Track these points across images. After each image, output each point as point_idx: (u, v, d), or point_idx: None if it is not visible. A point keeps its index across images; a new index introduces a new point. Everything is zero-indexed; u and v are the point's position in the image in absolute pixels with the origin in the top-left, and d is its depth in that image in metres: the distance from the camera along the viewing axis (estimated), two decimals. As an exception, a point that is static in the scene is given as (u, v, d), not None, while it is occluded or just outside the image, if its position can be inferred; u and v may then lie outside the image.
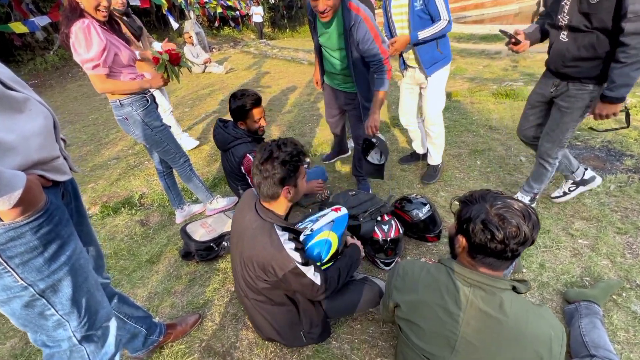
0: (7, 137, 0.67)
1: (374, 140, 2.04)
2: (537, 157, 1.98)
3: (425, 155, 2.70)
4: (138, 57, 2.01)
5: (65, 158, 0.85)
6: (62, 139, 0.93)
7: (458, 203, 1.01)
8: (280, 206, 1.30)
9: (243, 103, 1.98)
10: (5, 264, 0.69)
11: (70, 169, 0.88)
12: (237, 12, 14.51)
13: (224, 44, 12.54)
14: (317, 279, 1.24)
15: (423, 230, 1.99)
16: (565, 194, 2.17)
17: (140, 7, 6.79)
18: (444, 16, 2.01)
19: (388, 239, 1.86)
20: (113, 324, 0.93)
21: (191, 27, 9.79)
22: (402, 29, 2.18)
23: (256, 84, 6.43)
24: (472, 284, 0.93)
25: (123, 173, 3.41)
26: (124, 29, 2.74)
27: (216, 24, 14.44)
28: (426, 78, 2.31)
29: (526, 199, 2.08)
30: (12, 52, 9.45)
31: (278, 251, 1.18)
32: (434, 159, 2.58)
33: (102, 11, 1.62)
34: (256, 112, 2.02)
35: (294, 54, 9.16)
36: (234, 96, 2.02)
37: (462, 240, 0.96)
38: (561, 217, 2.07)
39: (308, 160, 3.14)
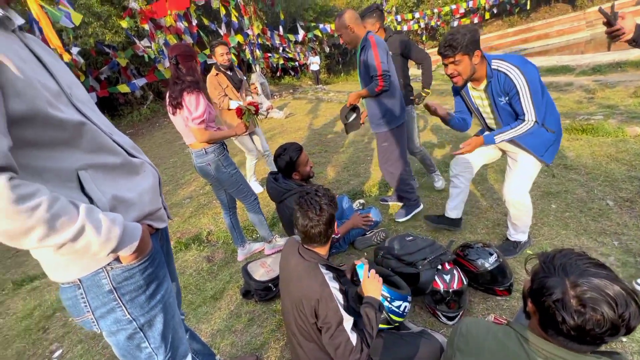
0: (129, 195, 0.84)
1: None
2: None
3: (459, 221, 2.37)
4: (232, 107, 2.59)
5: (164, 208, 1.02)
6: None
7: (537, 259, 0.92)
8: (321, 248, 1.35)
9: (290, 157, 2.16)
10: (119, 300, 0.83)
11: (167, 217, 1.05)
12: (297, 62, 15.93)
13: (284, 91, 13.70)
14: (353, 337, 1.17)
15: (490, 282, 1.83)
16: None
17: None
18: (529, 116, 1.72)
19: (450, 290, 1.73)
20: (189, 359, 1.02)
21: (257, 78, 11.00)
22: (489, 118, 1.97)
23: (312, 126, 6.82)
24: (546, 356, 0.83)
25: (194, 211, 3.79)
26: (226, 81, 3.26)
27: (278, 74, 15.96)
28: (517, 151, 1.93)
29: None
30: (117, 108, 11.52)
31: (322, 288, 1.20)
32: (513, 236, 2.13)
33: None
34: (303, 159, 2.21)
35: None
36: (277, 155, 2.21)
37: (532, 307, 0.87)
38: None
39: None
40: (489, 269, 1.80)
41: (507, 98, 1.77)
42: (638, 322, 0.75)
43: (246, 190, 2.39)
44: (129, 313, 0.84)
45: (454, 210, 2.32)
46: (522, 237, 2.13)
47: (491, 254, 1.84)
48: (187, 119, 2.02)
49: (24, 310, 2.52)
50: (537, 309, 0.85)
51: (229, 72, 3.39)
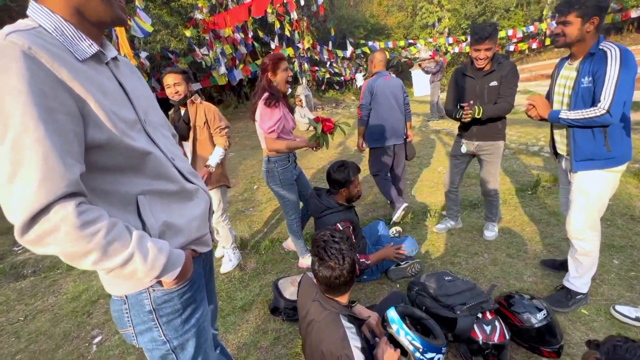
0: (179, 222, 0.87)
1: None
2: None
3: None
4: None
5: (210, 232, 1.05)
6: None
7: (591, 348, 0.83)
8: (344, 296, 1.32)
9: (348, 174, 2.15)
10: (156, 321, 0.87)
11: (212, 240, 1.08)
12: (342, 77, 16.17)
13: (327, 105, 13.91)
14: None
15: (536, 340, 1.67)
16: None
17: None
18: (604, 104, 1.58)
19: (490, 342, 1.61)
20: None
21: (302, 90, 11.31)
22: (558, 104, 1.85)
23: (353, 142, 6.81)
24: None
25: (232, 217, 3.91)
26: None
27: (323, 87, 16.28)
28: (570, 172, 1.87)
29: None
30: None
31: (343, 346, 1.16)
32: (572, 282, 1.93)
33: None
34: (357, 179, 2.22)
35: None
36: (336, 168, 2.21)
37: None
38: None
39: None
40: (536, 325, 1.65)
41: (590, 79, 1.64)
42: None
43: (290, 206, 2.49)
44: (164, 334, 0.88)
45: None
46: (578, 286, 1.92)
47: (540, 309, 1.68)
48: (259, 126, 2.26)
49: (74, 292, 2.74)
50: None
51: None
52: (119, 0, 0.80)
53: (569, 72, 1.79)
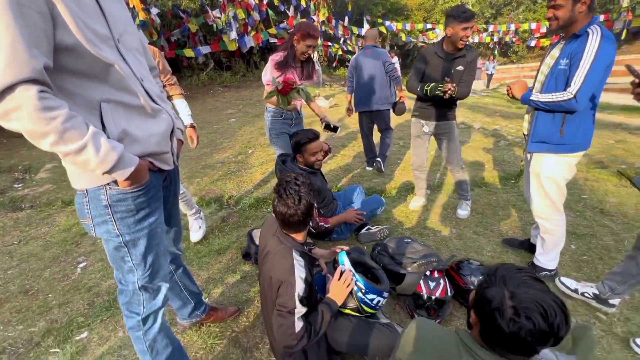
0: (138, 133, 0.99)
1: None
2: None
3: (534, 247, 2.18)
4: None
5: (172, 154, 1.16)
6: (180, 140, 1.28)
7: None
8: (299, 234, 1.43)
9: (299, 138, 2.30)
10: (112, 216, 1.00)
11: (174, 162, 1.19)
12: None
13: (336, 82, 13.75)
14: (298, 326, 1.23)
15: (477, 301, 1.82)
16: None
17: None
18: (573, 88, 1.61)
19: (433, 297, 1.76)
20: (165, 286, 1.19)
21: (312, 64, 11.18)
22: (539, 83, 1.87)
23: (353, 119, 6.84)
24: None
25: (223, 175, 4.06)
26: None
27: (334, 64, 16.00)
28: (526, 152, 1.99)
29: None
30: (180, 70, 12.34)
31: (288, 274, 1.28)
32: (538, 258, 2.06)
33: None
34: (312, 147, 2.32)
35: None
36: (295, 133, 2.38)
37: (474, 317, 0.91)
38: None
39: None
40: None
41: (568, 61, 1.66)
42: (566, 332, 0.80)
43: (277, 153, 2.71)
44: (117, 228, 1.01)
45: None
46: (547, 264, 2.03)
47: (484, 274, 1.82)
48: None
49: (65, 225, 2.93)
50: (479, 318, 0.89)
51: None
52: None
53: (555, 52, 1.79)
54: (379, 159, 3.92)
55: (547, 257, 2.04)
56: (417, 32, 16.94)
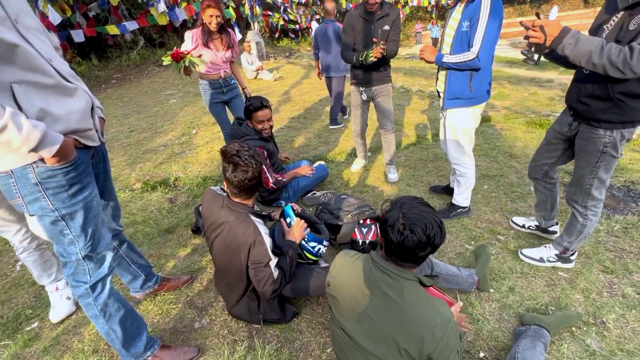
0: (58, 111, 1.02)
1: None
2: (565, 200, 1.80)
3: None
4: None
5: (96, 130, 1.20)
6: (102, 118, 1.30)
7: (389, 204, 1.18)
8: (249, 199, 1.54)
9: (249, 104, 2.39)
10: (43, 192, 1.04)
11: (99, 139, 1.23)
12: (297, 26, 15.42)
13: (280, 54, 13.40)
14: (276, 273, 1.45)
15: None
16: (541, 260, 1.91)
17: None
18: (475, 48, 1.84)
19: (366, 241, 2.02)
20: (110, 254, 1.26)
21: (252, 37, 10.74)
22: (447, 45, 2.03)
23: (299, 92, 6.88)
24: (382, 271, 1.10)
25: (167, 158, 3.96)
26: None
27: (276, 35, 15.46)
28: (443, 110, 2.20)
29: (552, 251, 1.89)
30: (105, 49, 11.15)
31: (255, 235, 1.42)
32: (455, 198, 2.37)
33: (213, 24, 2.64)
34: (259, 115, 2.41)
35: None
36: (247, 99, 2.43)
37: (381, 238, 1.13)
38: (550, 248, 2.05)
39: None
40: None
41: (468, 23, 1.86)
42: (440, 242, 1.05)
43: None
44: (51, 204, 1.06)
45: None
46: (460, 201, 2.37)
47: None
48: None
49: None
50: (382, 237, 1.11)
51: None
52: None
53: (457, 15, 1.94)
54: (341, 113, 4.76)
55: (462, 197, 2.39)
56: (358, -2, 16.82)
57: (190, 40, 2.70)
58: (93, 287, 1.21)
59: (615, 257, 1.92)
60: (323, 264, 1.80)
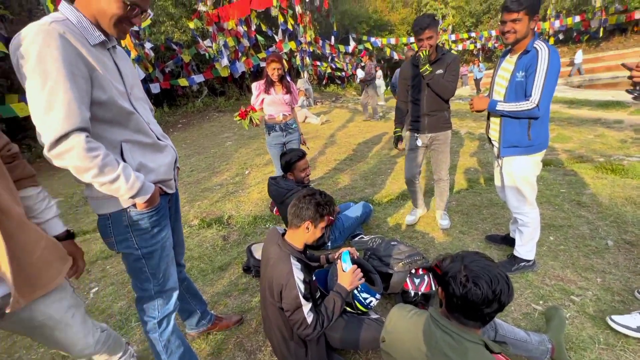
0: (151, 165, 1.22)
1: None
2: None
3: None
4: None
5: (175, 180, 1.38)
6: (178, 167, 1.49)
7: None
8: (298, 239, 1.58)
9: (289, 158, 2.58)
10: (131, 233, 1.20)
11: (175, 187, 1.41)
12: (343, 73, 16.38)
13: (327, 99, 14.17)
14: (309, 317, 1.42)
15: (460, 293, 1.97)
16: (638, 330, 1.62)
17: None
18: (534, 98, 1.83)
19: (419, 292, 1.92)
20: (176, 292, 1.36)
21: (302, 84, 11.58)
22: (497, 94, 2.06)
23: (344, 134, 7.11)
24: (443, 330, 1.04)
25: (222, 197, 4.25)
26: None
27: (324, 82, 16.51)
28: (499, 158, 2.15)
29: None
30: (175, 98, 12.76)
31: (288, 277, 1.44)
32: (517, 249, 2.21)
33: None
34: (301, 165, 2.59)
35: (386, 111, 9.76)
36: (283, 154, 2.67)
37: (441, 292, 1.08)
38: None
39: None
40: (460, 281, 1.95)
41: (523, 74, 1.86)
42: (508, 300, 0.97)
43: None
44: (137, 243, 1.21)
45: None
46: (523, 254, 2.19)
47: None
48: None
49: (75, 255, 3.09)
50: (442, 291, 1.07)
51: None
52: (127, 25, 1.13)
53: (508, 65, 1.99)
54: None
55: (525, 249, 2.20)
56: (402, 46, 17.56)
57: (256, 88, 3.22)
58: (160, 323, 1.30)
59: None
60: (374, 315, 1.74)
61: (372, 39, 16.16)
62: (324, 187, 4.20)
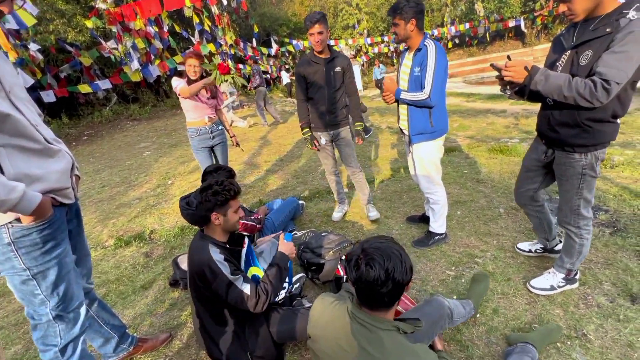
0: (38, 172, 1.05)
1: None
2: (558, 224, 1.86)
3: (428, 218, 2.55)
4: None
5: (73, 189, 1.21)
6: (77, 175, 1.31)
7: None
8: (214, 232, 1.56)
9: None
10: (16, 252, 1.02)
11: (75, 197, 1.24)
12: (268, 75, 16.28)
13: (253, 102, 13.90)
14: (246, 288, 1.41)
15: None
16: (552, 288, 1.88)
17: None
18: (426, 90, 2.08)
19: (350, 277, 2.01)
20: (83, 313, 1.19)
21: (226, 88, 11.17)
22: (402, 87, 2.26)
23: (273, 136, 7.08)
24: (359, 322, 1.03)
25: (142, 211, 3.86)
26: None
27: (249, 85, 16.16)
28: (410, 145, 2.37)
29: (559, 276, 1.87)
30: (76, 107, 11.14)
31: (208, 259, 1.41)
32: (432, 225, 2.48)
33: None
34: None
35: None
36: (208, 172, 2.36)
37: (351, 282, 1.04)
38: (525, 266, 2.13)
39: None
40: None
41: (419, 68, 2.11)
42: (404, 277, 0.96)
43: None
44: (23, 263, 1.04)
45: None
46: (436, 228, 2.46)
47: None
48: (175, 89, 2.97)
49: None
50: (349, 280, 1.03)
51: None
52: None
53: (407, 62, 2.23)
54: None
55: (437, 224, 2.48)
56: (323, 48, 18.19)
57: (177, 80, 2.93)
58: (63, 351, 1.13)
59: (585, 269, 2.01)
60: (307, 304, 1.77)
61: (294, 42, 16.38)
62: (256, 190, 4.13)
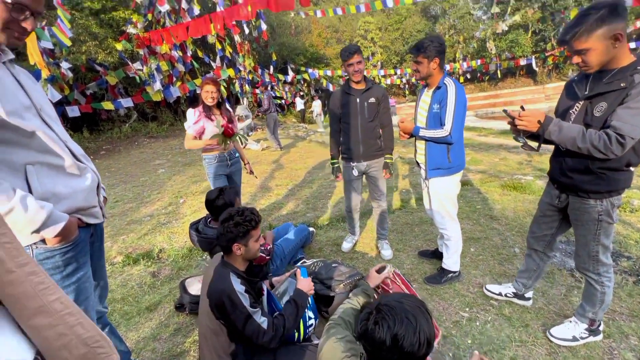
0: (64, 191, 1.06)
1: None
2: (576, 270, 1.81)
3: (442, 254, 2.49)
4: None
5: (100, 207, 1.23)
6: (105, 197, 1.33)
7: None
8: (236, 261, 1.55)
9: (228, 200, 2.22)
10: None
11: (103, 215, 1.25)
12: (283, 100, 16.79)
13: (267, 127, 14.23)
14: (263, 323, 1.40)
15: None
16: (574, 339, 1.78)
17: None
18: (447, 127, 2.10)
19: (360, 312, 1.95)
20: None
21: (242, 111, 11.53)
22: (420, 122, 2.32)
23: (286, 160, 7.17)
24: None
25: (152, 229, 3.88)
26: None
27: (263, 109, 16.65)
28: (426, 179, 2.36)
29: (581, 326, 1.78)
30: (97, 123, 11.58)
31: (230, 290, 1.40)
32: (445, 262, 2.42)
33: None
34: (239, 203, 2.42)
35: (326, 138, 10.17)
36: (214, 198, 2.25)
37: None
38: (544, 312, 2.03)
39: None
40: (397, 296, 2.04)
41: (438, 106, 2.14)
42: (415, 349, 0.84)
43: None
44: None
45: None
46: (450, 265, 2.40)
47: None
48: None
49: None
50: None
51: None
52: (17, 30, 1.00)
53: (426, 98, 2.27)
54: None
55: (451, 261, 2.42)
56: (337, 78, 18.76)
57: (193, 114, 2.90)
58: None
59: (608, 320, 1.91)
60: (316, 341, 1.71)
61: (310, 70, 16.98)
62: (267, 214, 4.13)
